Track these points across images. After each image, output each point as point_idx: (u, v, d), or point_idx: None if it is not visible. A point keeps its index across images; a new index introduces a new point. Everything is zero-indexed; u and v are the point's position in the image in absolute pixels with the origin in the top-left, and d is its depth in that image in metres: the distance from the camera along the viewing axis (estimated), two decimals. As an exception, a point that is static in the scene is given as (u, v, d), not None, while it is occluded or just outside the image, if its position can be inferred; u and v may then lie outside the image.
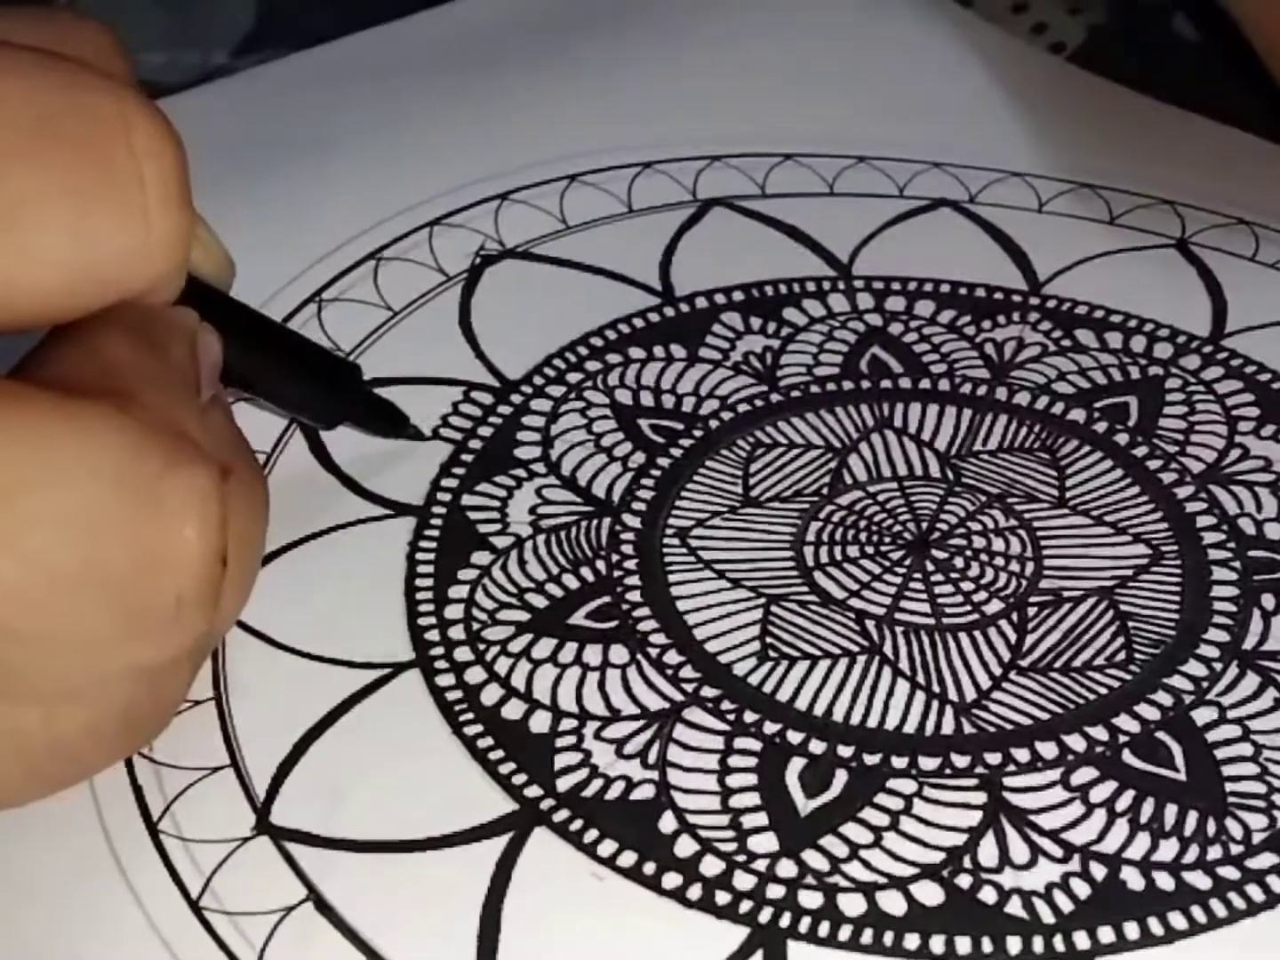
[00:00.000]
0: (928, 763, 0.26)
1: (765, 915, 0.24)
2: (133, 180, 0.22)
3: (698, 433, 0.32)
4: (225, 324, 0.25)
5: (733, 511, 0.31)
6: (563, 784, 0.26)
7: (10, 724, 0.22)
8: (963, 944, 0.24)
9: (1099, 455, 0.32)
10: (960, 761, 0.26)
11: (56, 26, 0.25)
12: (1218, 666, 0.28)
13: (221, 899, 0.24)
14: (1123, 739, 0.27)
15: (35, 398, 0.21)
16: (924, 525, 0.30)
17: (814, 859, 0.25)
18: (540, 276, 0.36)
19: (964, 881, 0.25)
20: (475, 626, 0.28)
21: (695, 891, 0.25)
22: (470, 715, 0.27)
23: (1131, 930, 0.24)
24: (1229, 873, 0.25)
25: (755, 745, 0.26)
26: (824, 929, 0.24)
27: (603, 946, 0.24)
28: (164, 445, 0.21)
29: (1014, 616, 0.29)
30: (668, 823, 0.25)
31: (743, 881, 0.25)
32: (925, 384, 0.33)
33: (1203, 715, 0.27)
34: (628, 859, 0.25)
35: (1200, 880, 0.25)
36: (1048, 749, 0.26)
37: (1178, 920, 0.24)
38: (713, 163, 0.39)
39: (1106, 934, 0.24)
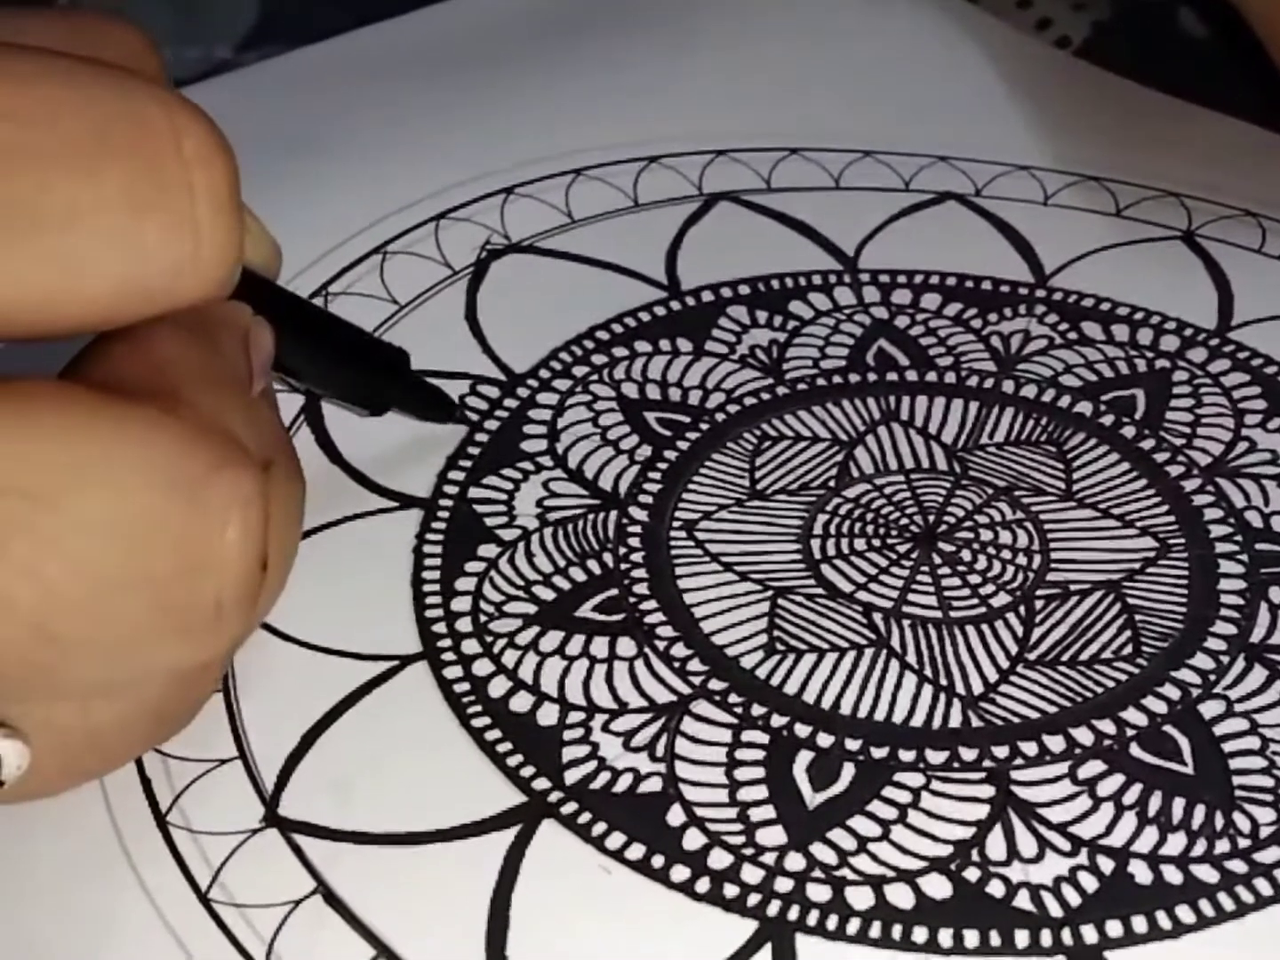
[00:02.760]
0: (935, 756, 0.26)
1: (773, 908, 0.24)
2: (183, 189, 0.22)
3: (704, 426, 0.32)
4: (275, 314, 0.25)
5: (739, 504, 0.31)
6: (570, 776, 0.26)
7: (49, 718, 0.22)
8: (971, 937, 0.24)
9: (1106, 448, 0.32)
10: (968, 755, 0.26)
11: (90, 29, 0.24)
12: (1225, 659, 0.28)
13: (230, 891, 0.24)
14: (1130, 732, 0.27)
15: (82, 399, 0.21)
16: (931, 518, 0.30)
17: (822, 852, 0.25)
18: (546, 270, 0.36)
19: (972, 875, 0.25)
20: (483, 619, 0.28)
21: (703, 884, 0.25)
22: (478, 707, 0.27)
23: (1139, 924, 0.24)
24: (1237, 866, 0.25)
25: (763, 738, 0.26)
26: (832, 922, 0.24)
27: (610, 939, 0.24)
28: (210, 448, 0.21)
29: (1021, 609, 0.29)
30: (675, 816, 0.25)
31: (751, 875, 0.25)
32: (932, 377, 0.33)
33: (1210, 708, 0.27)
34: (636, 852, 0.25)
35: (1208, 874, 0.25)
36: (1055, 742, 0.26)
37: (1185, 914, 0.24)
38: (718, 157, 0.39)
39: (1114, 928, 0.24)
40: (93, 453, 0.20)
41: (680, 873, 0.25)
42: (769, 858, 0.25)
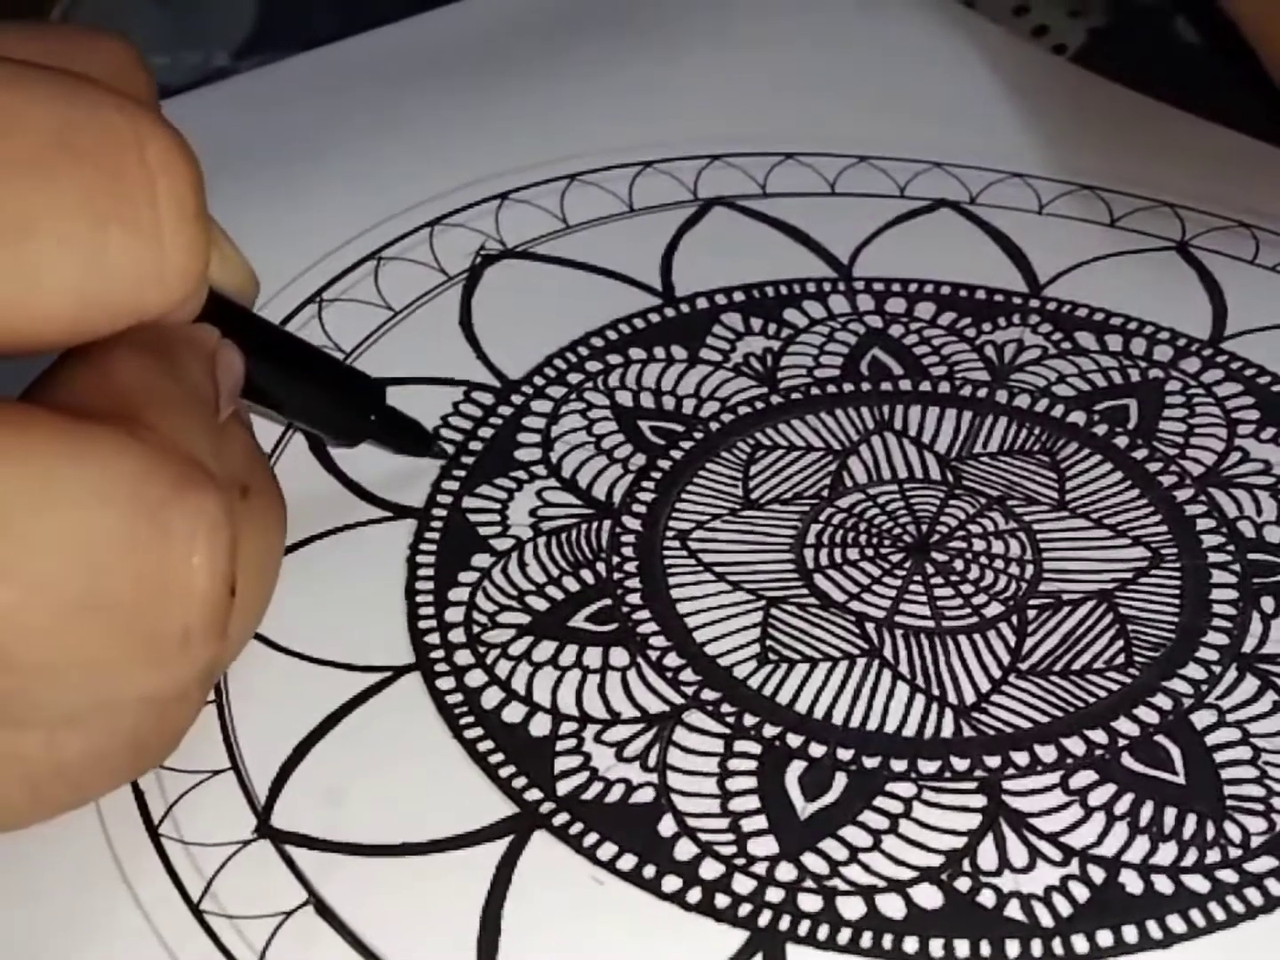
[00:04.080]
0: (927, 766, 0.26)
1: (764, 918, 0.24)
2: (146, 197, 0.21)
3: (698, 435, 0.32)
4: (247, 340, 0.25)
5: (733, 514, 0.31)
6: (563, 787, 0.26)
7: (13, 749, 0.22)
8: (961, 947, 0.24)
9: (1099, 458, 0.32)
10: (959, 764, 0.26)
11: (78, 42, 0.24)
12: (1217, 669, 0.28)
13: (222, 902, 0.24)
14: (1122, 742, 0.27)
15: (43, 421, 0.20)
16: (924, 528, 0.30)
17: (813, 862, 0.25)
18: (541, 276, 0.36)
19: (963, 885, 0.25)
20: (475, 629, 0.28)
21: (695, 895, 0.25)
22: (470, 718, 0.27)
23: (1130, 934, 0.24)
24: (1228, 876, 0.25)
25: (755, 748, 0.26)
26: (823, 932, 0.24)
27: (602, 950, 0.24)
28: (172, 471, 0.21)
29: (1014, 619, 0.29)
30: (667, 826, 0.25)
31: (742, 885, 0.25)
32: (925, 386, 0.33)
33: (1202, 718, 0.27)
34: (627, 862, 0.25)
35: (1199, 884, 0.25)
36: (1047, 752, 0.26)
37: (1176, 924, 0.24)
38: (713, 162, 0.39)
39: (1105, 937, 0.24)
40: (53, 475, 0.20)
41: (672, 883, 0.25)
42: (760, 868, 0.25)
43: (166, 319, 0.23)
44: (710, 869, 0.25)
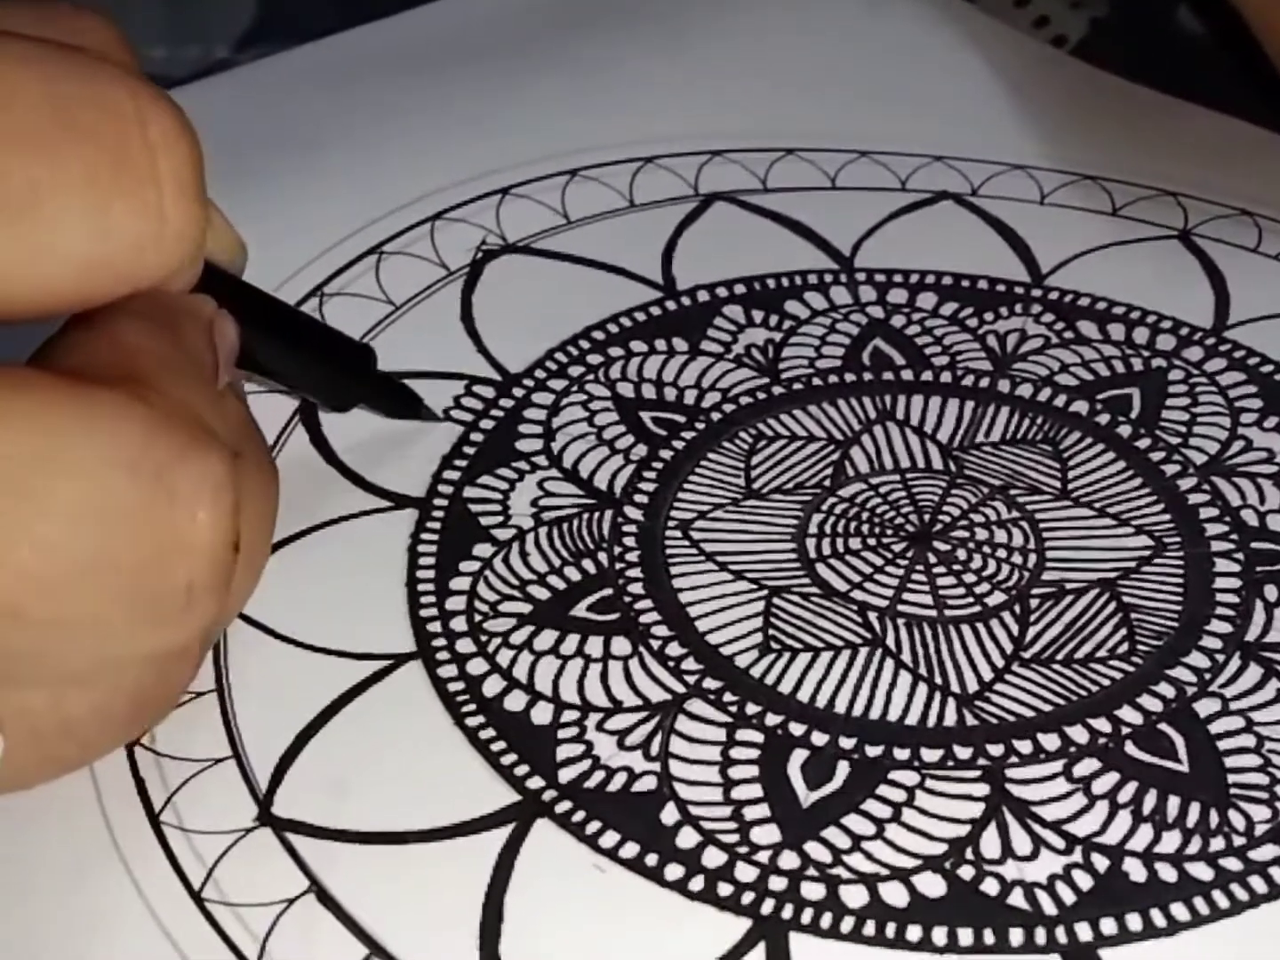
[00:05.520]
0: (930, 754, 0.26)
1: (767, 907, 0.24)
2: (148, 172, 0.22)
3: (700, 425, 0.32)
4: (240, 309, 0.25)
5: (735, 504, 0.30)
6: (565, 775, 0.26)
7: (22, 706, 0.22)
8: (965, 935, 0.24)
9: (1101, 447, 0.32)
10: (962, 753, 0.26)
11: (61, 20, 0.24)
12: (1220, 658, 0.28)
13: (224, 890, 0.24)
14: (1125, 730, 0.27)
15: (50, 385, 0.21)
16: (926, 517, 0.30)
17: (816, 851, 0.25)
18: (542, 271, 0.36)
19: (966, 873, 0.25)
20: (477, 618, 0.28)
21: (697, 883, 0.24)
22: (472, 706, 0.27)
23: (1134, 922, 0.24)
24: (1231, 864, 0.25)
25: (757, 737, 0.26)
26: (826, 921, 0.24)
27: (604, 938, 0.24)
28: (178, 432, 0.21)
29: (1016, 608, 0.29)
30: (670, 814, 0.25)
31: (745, 873, 0.25)
32: (927, 376, 0.33)
33: (1205, 707, 0.27)
34: (630, 850, 0.25)
35: (1203, 872, 0.25)
36: (1050, 740, 0.26)
37: (1180, 912, 0.24)
38: (714, 157, 0.39)
39: (1109, 925, 0.24)
40: (61, 438, 0.20)
41: (674, 871, 0.25)
42: (763, 856, 0.25)
43: (163, 288, 0.23)
44: (713, 857, 0.25)
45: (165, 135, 0.22)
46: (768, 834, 0.25)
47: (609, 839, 0.25)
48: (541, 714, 0.27)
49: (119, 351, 0.22)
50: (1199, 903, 0.24)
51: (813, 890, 0.24)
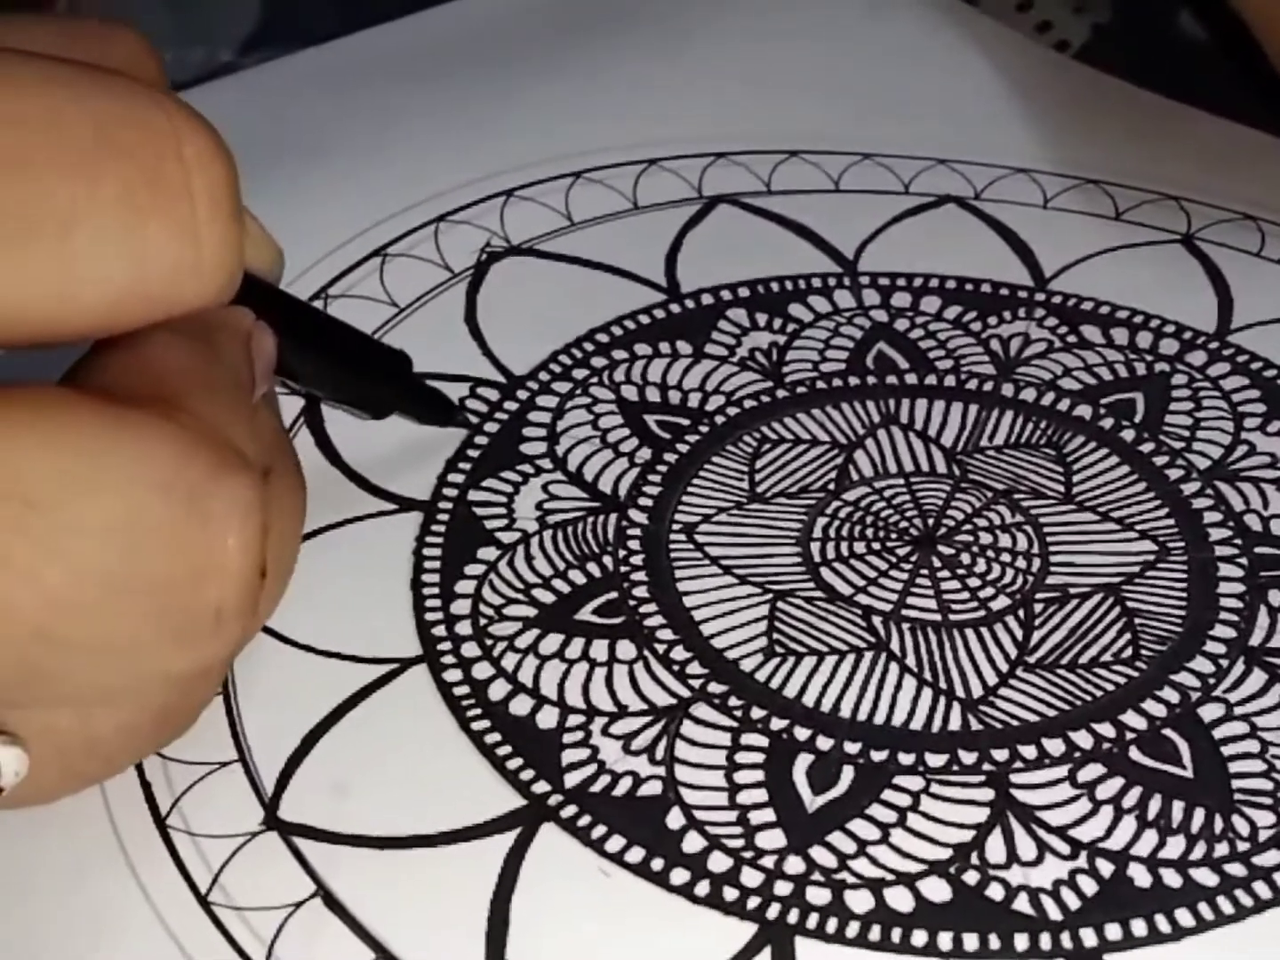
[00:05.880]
0: (935, 759, 0.26)
1: (773, 911, 0.24)
2: (183, 193, 0.22)
3: (704, 428, 0.32)
4: (276, 318, 0.25)
5: (739, 507, 0.31)
6: (570, 780, 0.26)
7: (48, 725, 0.22)
8: (970, 941, 0.24)
9: (1105, 451, 0.32)
10: (967, 758, 0.26)
11: (90, 34, 0.24)
12: (1224, 663, 0.28)
13: (230, 894, 0.24)
14: (1130, 735, 0.27)
15: (83, 405, 0.21)
16: (930, 521, 0.30)
17: (821, 855, 0.25)
18: (546, 273, 0.36)
19: (971, 878, 0.25)
20: (482, 622, 0.28)
21: (703, 888, 0.25)
22: (478, 711, 0.27)
23: (1139, 927, 0.24)
24: (1236, 870, 0.25)
25: (762, 741, 0.26)
26: (831, 925, 0.24)
27: (610, 942, 0.24)
28: (210, 454, 0.21)
29: (1020, 613, 0.29)
30: (675, 819, 0.25)
31: (750, 878, 0.25)
32: (931, 380, 0.33)
33: (1210, 712, 0.27)
34: (635, 855, 0.25)
35: (1207, 877, 0.25)
36: (1055, 746, 0.26)
37: (1185, 917, 0.24)
38: (718, 160, 0.39)
39: (1113, 931, 0.24)
40: (93, 459, 0.20)
41: (680, 876, 0.25)
42: (768, 861, 0.25)
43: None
44: (718, 862, 0.25)
45: (200, 155, 0.22)
46: (773, 839, 0.25)
47: (614, 843, 0.25)
48: (547, 718, 0.27)
49: (151, 371, 0.22)
50: (1203, 908, 0.24)
51: (818, 895, 0.24)
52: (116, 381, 0.22)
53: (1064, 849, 0.25)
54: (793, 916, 0.24)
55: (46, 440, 0.20)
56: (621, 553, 0.30)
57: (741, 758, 0.26)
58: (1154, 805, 0.26)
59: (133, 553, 0.20)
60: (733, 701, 0.27)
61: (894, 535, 0.30)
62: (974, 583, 0.29)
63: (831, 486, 0.31)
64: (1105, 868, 0.25)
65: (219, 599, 0.21)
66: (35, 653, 0.20)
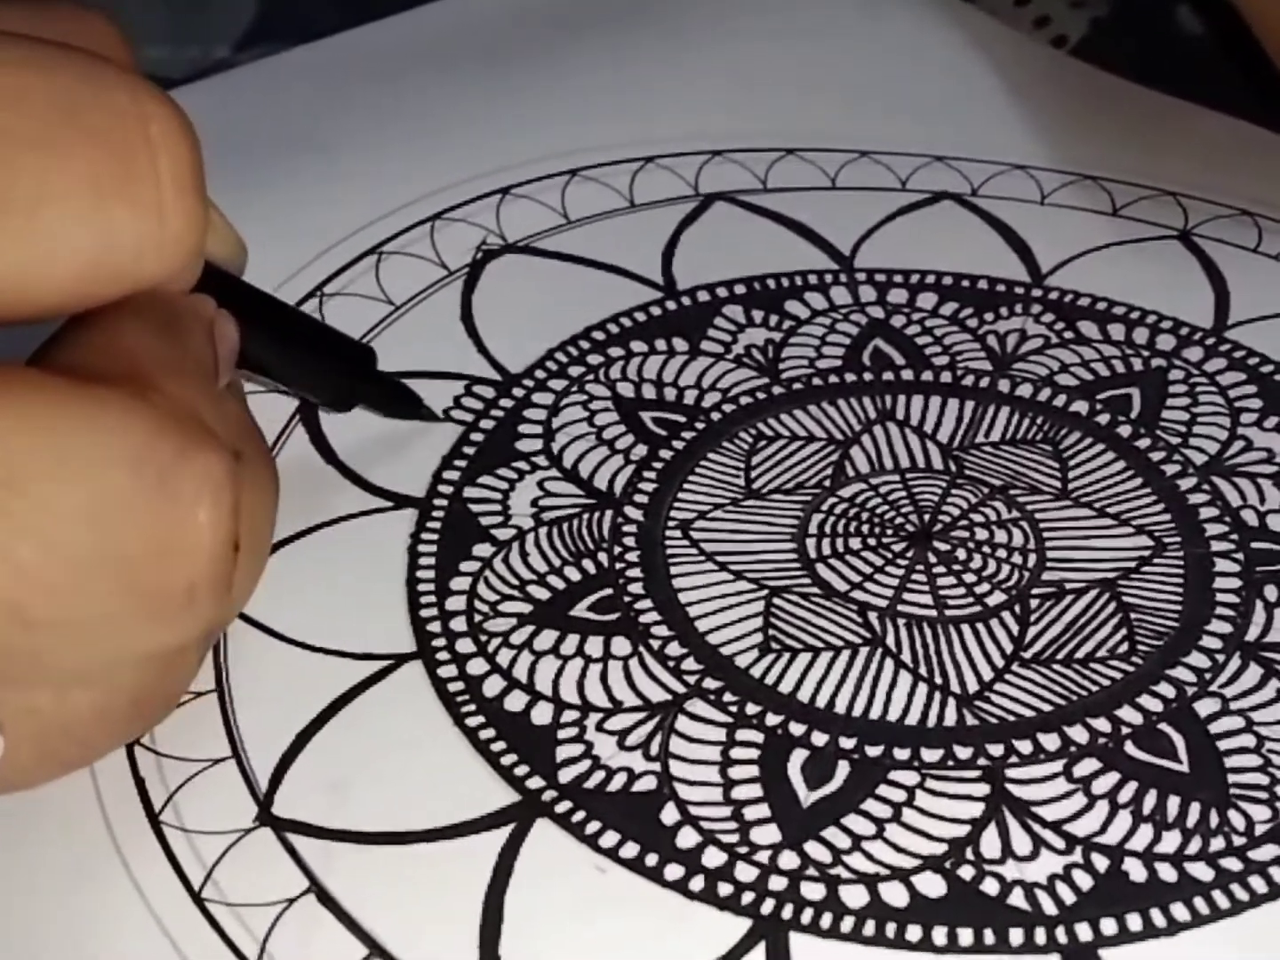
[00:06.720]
0: (930, 754, 0.26)
1: (767, 907, 0.24)
2: (149, 172, 0.22)
3: (700, 425, 0.32)
4: (240, 309, 0.26)
5: (735, 504, 0.30)
6: (565, 775, 0.26)
7: (24, 705, 0.22)
8: (965, 935, 0.24)
9: (1101, 447, 0.32)
10: (962, 753, 0.26)
11: (61, 19, 0.25)
12: (1220, 658, 0.28)
13: (223, 890, 0.24)
14: (1125, 730, 0.27)
15: (52, 385, 0.21)
16: (926, 517, 0.30)
17: (816, 850, 0.25)
18: (542, 271, 0.36)
19: (966, 873, 0.25)
20: (477, 618, 0.28)
21: (697, 883, 0.24)
22: (472, 707, 0.27)
23: (1134, 922, 0.24)
24: (1232, 864, 0.25)
25: (757, 737, 0.26)
26: (826, 920, 0.24)
27: (605, 938, 0.24)
28: (179, 432, 0.21)
29: (1016, 608, 0.29)
30: (670, 814, 0.25)
31: (745, 873, 0.25)
32: (927, 376, 0.33)
33: (1205, 707, 0.27)
34: (630, 851, 0.25)
35: (1203, 872, 0.25)
36: (1050, 740, 0.26)
37: (1180, 912, 0.24)
38: (714, 157, 0.39)
39: (1109, 925, 0.24)
40: (63, 437, 0.20)
41: (674, 871, 0.25)
42: (763, 856, 0.25)
43: (164, 288, 0.23)
44: (713, 857, 0.25)
45: (166, 135, 0.22)
46: (768, 834, 0.25)
47: (609, 839, 0.25)
48: (541, 714, 0.27)
49: (119, 350, 0.22)
50: (1199, 903, 0.24)
51: (813, 890, 0.24)
52: (85, 361, 0.22)
53: (1059, 844, 0.25)
54: (787, 912, 0.24)
55: (16, 419, 0.20)
56: (617, 549, 0.30)
57: (736, 753, 0.26)
58: (1149, 800, 0.26)
59: (104, 529, 0.21)
60: (728, 697, 0.27)
61: (890, 531, 0.30)
62: (970, 578, 0.29)
63: (827, 483, 0.31)
64: (1100, 862, 0.25)
65: (191, 575, 0.21)
66: (7, 631, 0.21)
